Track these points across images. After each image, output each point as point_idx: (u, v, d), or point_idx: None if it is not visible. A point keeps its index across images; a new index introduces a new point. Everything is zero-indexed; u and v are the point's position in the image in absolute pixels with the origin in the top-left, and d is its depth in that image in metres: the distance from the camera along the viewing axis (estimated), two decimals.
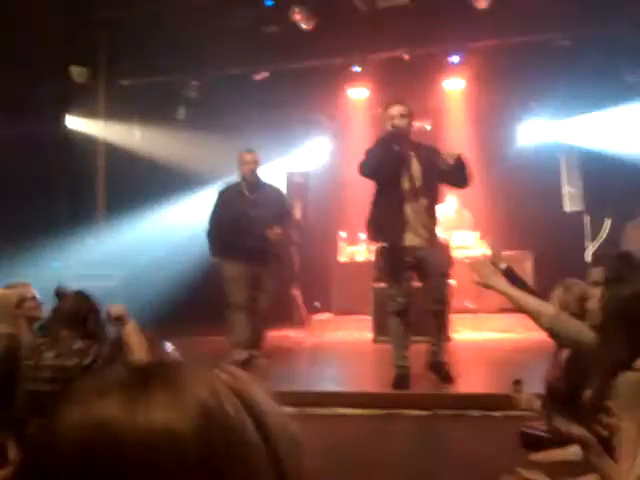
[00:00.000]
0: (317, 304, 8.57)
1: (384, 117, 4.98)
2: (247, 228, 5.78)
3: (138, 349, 3.12)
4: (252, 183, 5.93)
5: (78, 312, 3.17)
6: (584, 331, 2.56)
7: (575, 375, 2.85)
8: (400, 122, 4.86)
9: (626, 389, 2.16)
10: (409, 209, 4.89)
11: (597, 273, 2.96)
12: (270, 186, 6.17)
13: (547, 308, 2.73)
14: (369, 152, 4.95)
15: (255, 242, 5.74)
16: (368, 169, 4.91)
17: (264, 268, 5.88)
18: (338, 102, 9.80)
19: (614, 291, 2.43)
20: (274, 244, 5.86)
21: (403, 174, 4.91)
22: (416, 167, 4.95)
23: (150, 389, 0.53)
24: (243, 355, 5.73)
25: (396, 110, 4.92)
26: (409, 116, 4.97)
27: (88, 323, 3.17)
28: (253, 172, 5.90)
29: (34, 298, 3.75)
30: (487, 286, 2.87)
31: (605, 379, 2.25)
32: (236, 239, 5.83)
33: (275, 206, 5.93)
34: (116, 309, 3.34)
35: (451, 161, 4.72)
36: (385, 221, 4.89)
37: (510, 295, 2.81)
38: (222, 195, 6.12)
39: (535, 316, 2.72)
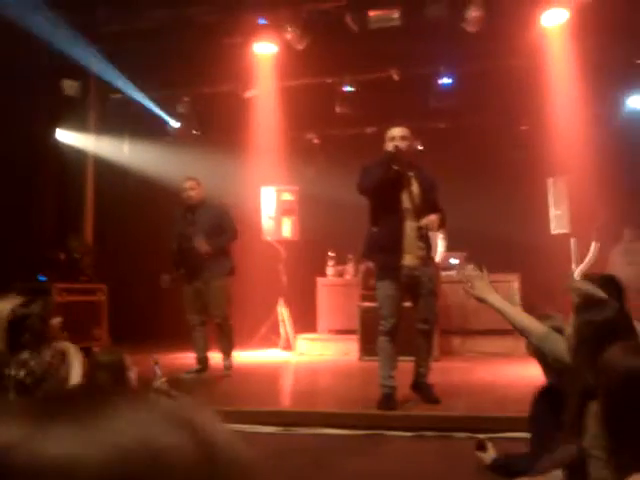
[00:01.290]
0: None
1: (385, 138, 5.02)
2: (185, 247, 6.43)
3: (77, 367, 3.15)
4: (191, 206, 6.55)
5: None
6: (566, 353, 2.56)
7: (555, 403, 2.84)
8: (401, 144, 4.90)
9: (592, 419, 2.14)
10: (408, 228, 4.92)
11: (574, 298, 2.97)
12: (212, 205, 6.71)
13: (538, 326, 2.75)
14: (367, 170, 4.97)
15: (192, 260, 6.36)
16: (367, 188, 4.93)
17: (204, 283, 6.42)
18: (328, 120, 9.84)
19: (585, 316, 2.43)
20: (215, 257, 6.39)
21: (402, 194, 4.94)
22: (416, 187, 4.99)
23: (59, 418, 0.51)
24: (195, 368, 6.55)
25: (397, 132, 4.97)
26: (410, 139, 5.03)
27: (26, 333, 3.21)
28: (191, 197, 6.55)
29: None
30: (481, 300, 2.89)
31: (576, 406, 2.24)
32: (180, 258, 6.56)
33: (212, 221, 6.49)
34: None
35: (433, 228, 4.94)
36: (385, 240, 4.91)
37: (503, 310, 2.83)
38: (174, 218, 6.78)
39: (526, 332, 2.73)
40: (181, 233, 6.51)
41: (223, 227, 6.53)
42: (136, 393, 0.57)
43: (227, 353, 6.57)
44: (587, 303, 2.54)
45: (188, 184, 6.57)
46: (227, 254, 6.59)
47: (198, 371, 6.48)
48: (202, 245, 6.30)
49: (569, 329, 2.54)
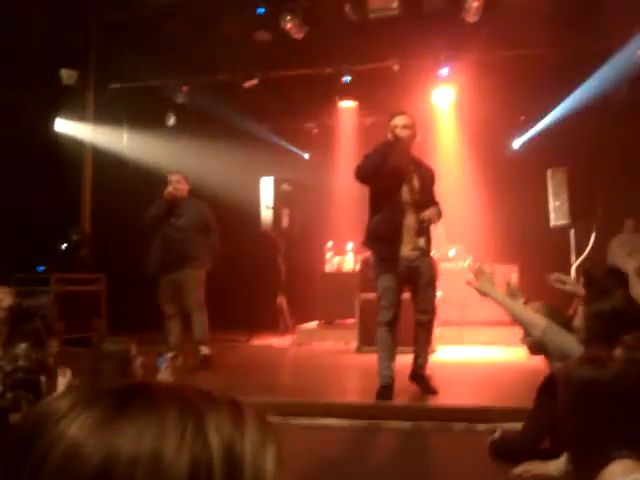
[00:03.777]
0: None
1: (387, 126, 4.97)
2: (171, 238, 6.47)
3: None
4: (176, 199, 6.55)
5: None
6: (574, 345, 2.56)
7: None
8: (402, 133, 4.86)
9: None
10: (408, 220, 4.90)
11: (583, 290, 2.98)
12: (196, 200, 6.77)
13: (540, 320, 2.76)
14: (366, 157, 4.95)
15: (175, 251, 6.40)
16: (364, 174, 4.89)
17: (183, 274, 6.46)
18: (327, 111, 9.82)
19: (595, 307, 2.44)
20: (196, 251, 6.50)
21: (402, 185, 4.92)
22: (415, 179, 4.97)
23: (124, 414, 0.55)
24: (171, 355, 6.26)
25: (399, 121, 4.90)
26: (412, 128, 4.96)
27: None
28: (178, 190, 6.56)
29: (4, 309, 3.66)
30: (485, 294, 2.91)
31: None
32: (162, 247, 6.53)
33: (198, 216, 6.58)
34: None
35: (434, 220, 4.92)
36: (384, 231, 4.89)
37: (506, 305, 2.85)
38: (154, 207, 6.73)
39: (528, 327, 2.75)
40: (167, 223, 6.54)
41: (208, 226, 6.65)
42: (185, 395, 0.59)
43: (204, 343, 6.58)
44: (596, 294, 2.55)
45: (175, 178, 6.64)
46: (206, 248, 6.64)
47: (174, 358, 6.42)
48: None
49: (578, 321, 2.54)
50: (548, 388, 3.19)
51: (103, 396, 0.57)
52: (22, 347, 3.09)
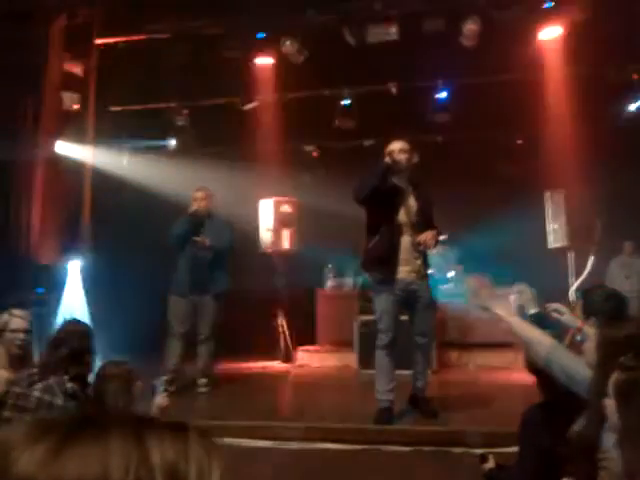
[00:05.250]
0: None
1: (384, 151, 5.02)
2: (191, 255, 6.35)
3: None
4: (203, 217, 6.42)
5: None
6: (580, 367, 2.55)
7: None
8: (399, 156, 4.90)
9: (608, 433, 2.15)
10: (405, 242, 4.92)
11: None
12: (219, 219, 6.59)
13: (546, 339, 2.72)
14: (364, 178, 4.98)
15: (196, 271, 6.29)
16: (362, 195, 4.91)
17: (202, 297, 6.34)
18: (327, 133, 9.87)
19: (608, 333, 2.43)
20: (216, 274, 6.36)
21: (400, 207, 4.95)
22: (412, 202, 5.00)
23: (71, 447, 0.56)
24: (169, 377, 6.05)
25: (397, 145, 4.98)
26: (409, 152, 5.03)
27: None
28: (202, 207, 6.38)
29: (18, 331, 3.61)
30: (486, 309, 2.86)
31: (596, 416, 2.24)
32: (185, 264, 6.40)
33: (217, 234, 6.37)
34: None
35: (430, 244, 4.87)
36: (381, 254, 4.90)
37: (509, 321, 2.80)
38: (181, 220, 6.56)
39: (533, 345, 2.71)
40: (192, 243, 6.37)
41: (224, 248, 6.45)
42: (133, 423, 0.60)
43: (205, 372, 6.42)
44: (609, 319, 2.54)
45: (199, 194, 6.45)
46: (225, 272, 6.48)
47: (171, 381, 6.21)
48: (205, 240, 6.30)
49: (590, 344, 2.53)
50: (532, 418, 3.17)
51: (52, 428, 0.58)
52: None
